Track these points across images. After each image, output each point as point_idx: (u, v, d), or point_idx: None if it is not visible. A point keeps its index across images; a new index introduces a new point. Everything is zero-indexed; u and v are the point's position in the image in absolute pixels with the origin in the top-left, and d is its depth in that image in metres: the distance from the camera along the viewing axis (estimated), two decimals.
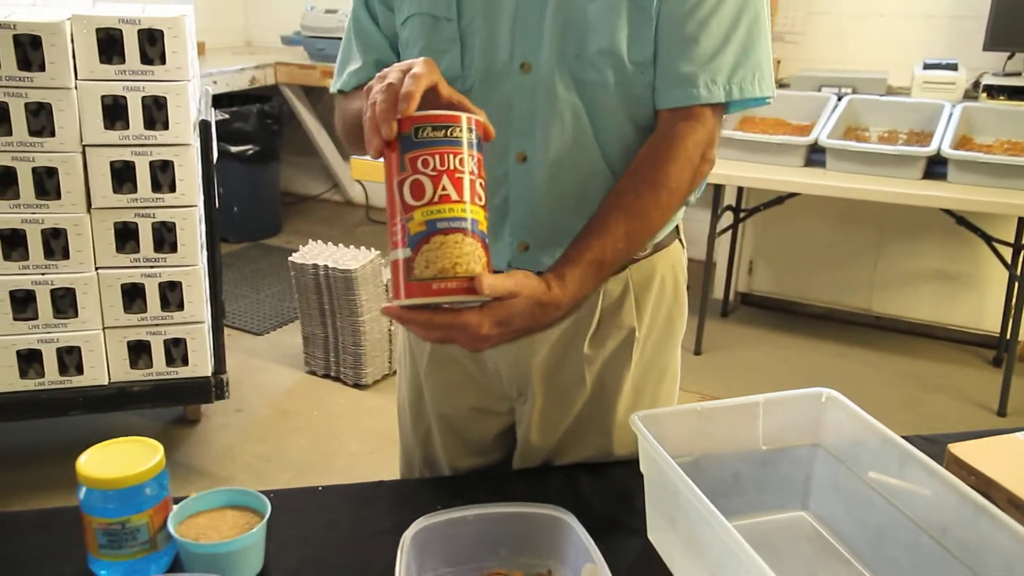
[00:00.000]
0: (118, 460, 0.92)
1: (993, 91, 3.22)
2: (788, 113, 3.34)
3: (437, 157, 0.83)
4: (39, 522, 1.05)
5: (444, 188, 0.82)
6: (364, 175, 3.09)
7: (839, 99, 3.30)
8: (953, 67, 3.34)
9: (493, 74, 1.07)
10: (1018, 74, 3.35)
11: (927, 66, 3.38)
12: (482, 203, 0.86)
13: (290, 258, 3.05)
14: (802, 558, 1.03)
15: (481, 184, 0.86)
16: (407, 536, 0.92)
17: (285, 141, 4.76)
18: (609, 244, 1.00)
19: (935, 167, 2.94)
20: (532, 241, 1.11)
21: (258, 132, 4.40)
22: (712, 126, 1.06)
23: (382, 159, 0.87)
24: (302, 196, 5.37)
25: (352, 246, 3.10)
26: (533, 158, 1.08)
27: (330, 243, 3.12)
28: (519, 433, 1.25)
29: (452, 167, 0.83)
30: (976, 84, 3.37)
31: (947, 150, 2.86)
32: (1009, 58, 3.43)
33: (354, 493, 1.13)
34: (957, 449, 1.08)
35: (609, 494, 1.12)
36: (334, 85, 1.21)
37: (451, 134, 0.83)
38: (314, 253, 3.06)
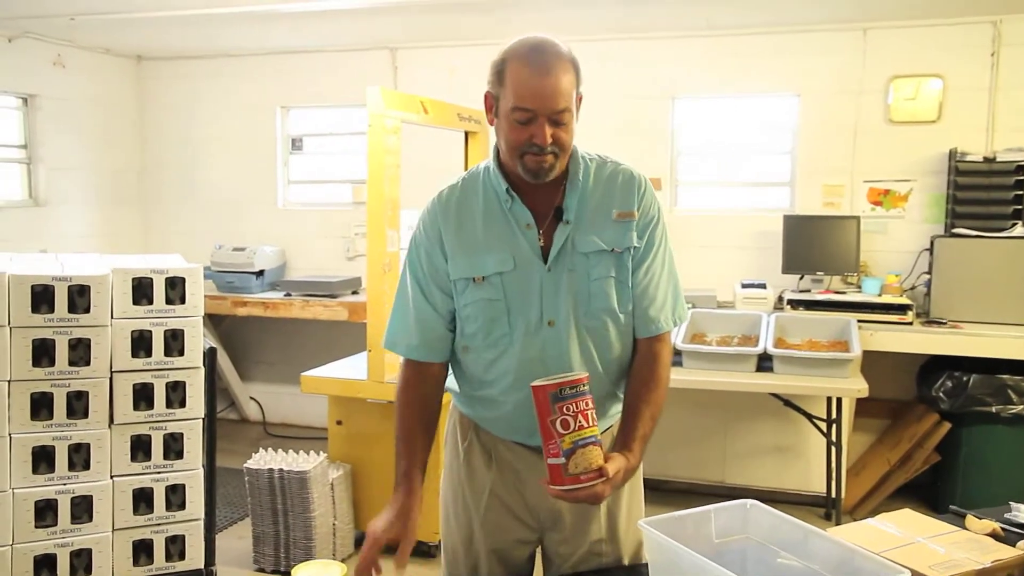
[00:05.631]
0: None
1: (795, 303, 4.24)
2: None
3: (573, 404, 1.49)
4: None
5: (579, 421, 1.49)
6: (314, 388, 3.59)
7: None
8: (763, 286, 4.38)
9: (530, 330, 1.72)
10: (808, 291, 4.42)
11: (744, 285, 4.40)
12: (596, 423, 1.51)
13: (245, 464, 3.45)
14: None
15: (594, 412, 1.51)
16: None
17: None
18: (646, 424, 1.69)
19: (763, 362, 3.82)
20: None
21: None
22: (671, 341, 1.80)
23: None
24: None
25: (301, 452, 3.54)
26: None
27: (280, 450, 3.55)
28: (550, 550, 1.81)
29: (581, 409, 1.49)
30: (780, 298, 4.40)
31: (771, 349, 3.76)
32: (800, 279, 4.52)
33: None
34: (832, 532, 1.74)
35: None
36: (389, 344, 1.83)
37: (578, 389, 1.50)
38: (266, 459, 3.47)
